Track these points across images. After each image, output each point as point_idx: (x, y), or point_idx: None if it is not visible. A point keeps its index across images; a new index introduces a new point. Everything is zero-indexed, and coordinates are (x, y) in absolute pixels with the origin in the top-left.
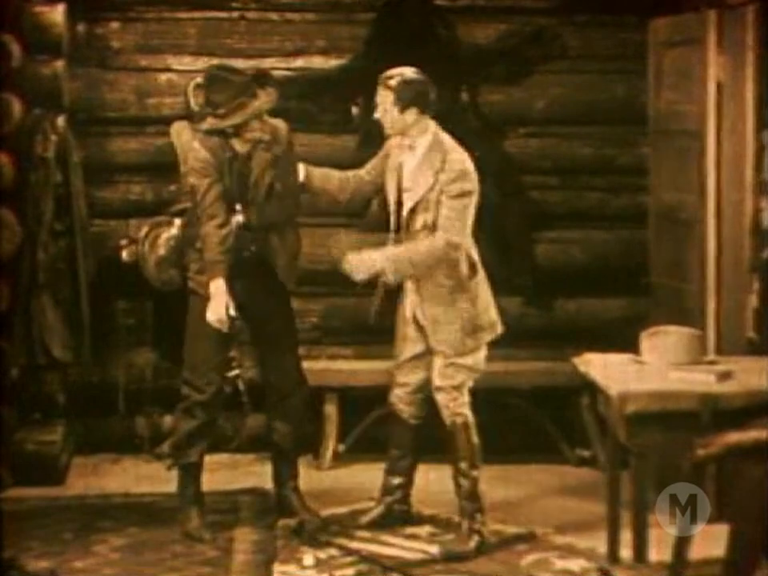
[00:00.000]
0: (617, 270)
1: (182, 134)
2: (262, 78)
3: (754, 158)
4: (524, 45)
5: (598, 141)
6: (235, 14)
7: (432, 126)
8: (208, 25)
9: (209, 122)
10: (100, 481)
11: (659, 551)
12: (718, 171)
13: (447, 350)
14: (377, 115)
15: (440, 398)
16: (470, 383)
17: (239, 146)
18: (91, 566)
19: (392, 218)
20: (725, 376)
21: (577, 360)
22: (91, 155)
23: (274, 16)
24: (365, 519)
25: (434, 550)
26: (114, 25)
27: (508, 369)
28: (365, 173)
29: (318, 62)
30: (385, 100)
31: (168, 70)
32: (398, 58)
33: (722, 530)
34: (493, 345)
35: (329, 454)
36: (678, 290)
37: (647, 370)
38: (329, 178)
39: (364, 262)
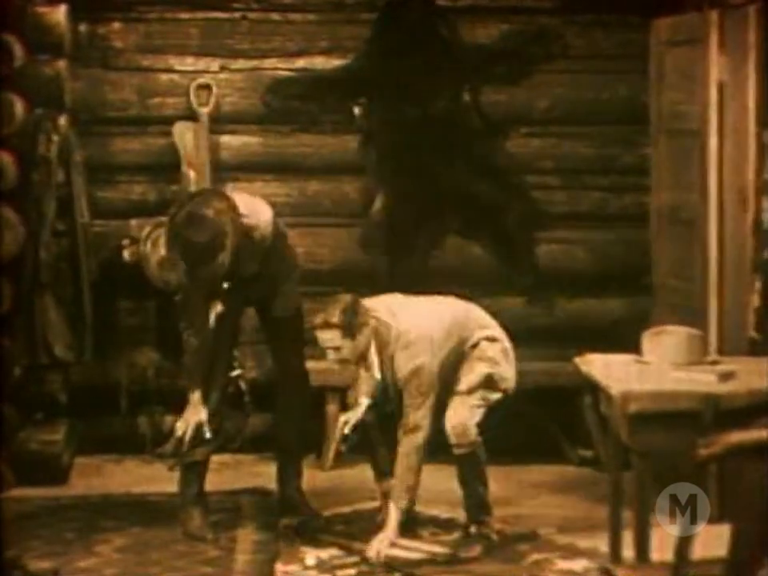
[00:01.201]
0: (618, 270)
1: (184, 135)
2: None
3: (756, 157)
4: (526, 44)
5: (600, 141)
6: (237, 15)
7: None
8: (210, 25)
9: (184, 281)
10: (102, 480)
11: (661, 551)
12: (720, 171)
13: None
14: (335, 357)
15: (450, 430)
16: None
17: None
18: (94, 566)
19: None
20: (727, 376)
21: (579, 360)
22: (93, 155)
23: (275, 16)
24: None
25: (440, 552)
26: (116, 25)
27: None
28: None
29: (320, 63)
30: (334, 339)
31: (170, 70)
32: (400, 58)
33: (724, 530)
34: None
35: (331, 453)
36: (680, 290)
37: (649, 369)
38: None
39: (382, 544)
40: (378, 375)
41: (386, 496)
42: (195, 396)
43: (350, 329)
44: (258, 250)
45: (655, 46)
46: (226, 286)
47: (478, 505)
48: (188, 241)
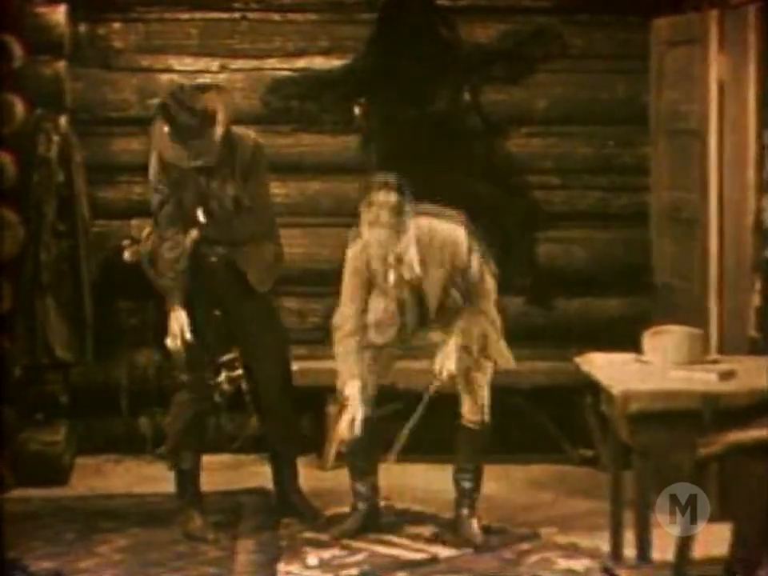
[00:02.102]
0: (618, 270)
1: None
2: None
3: (756, 157)
4: (525, 44)
5: (600, 140)
6: (237, 15)
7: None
8: (209, 25)
9: (176, 156)
10: (103, 481)
11: (662, 550)
12: (720, 170)
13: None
14: (386, 218)
15: (471, 394)
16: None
17: None
18: (94, 567)
19: (414, 312)
20: (727, 375)
21: (579, 359)
22: (93, 155)
23: (275, 16)
24: (342, 529)
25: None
26: (116, 25)
27: (509, 368)
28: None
29: (320, 63)
30: (389, 200)
31: (170, 70)
32: (400, 58)
33: (724, 529)
34: None
35: (332, 453)
36: (680, 289)
37: (649, 369)
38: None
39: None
40: (417, 269)
41: (362, 498)
42: (177, 314)
43: (407, 196)
44: (240, 159)
45: (655, 45)
46: (203, 219)
47: (470, 495)
48: (181, 110)
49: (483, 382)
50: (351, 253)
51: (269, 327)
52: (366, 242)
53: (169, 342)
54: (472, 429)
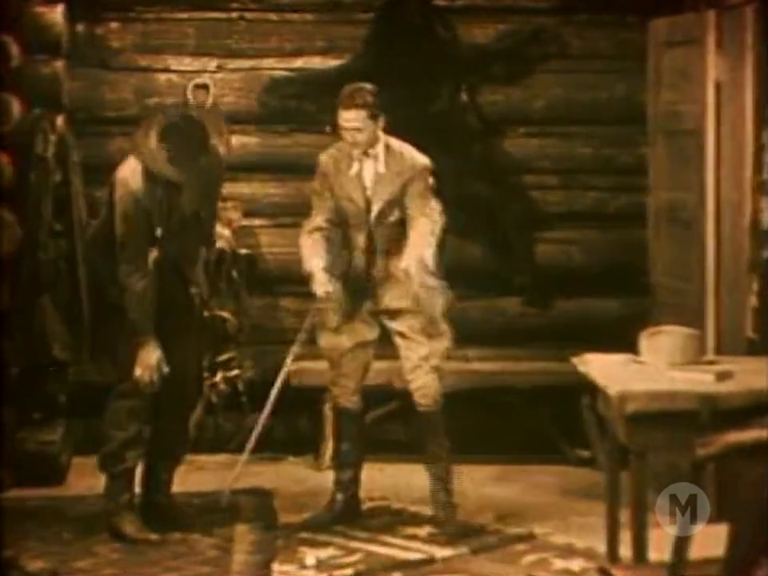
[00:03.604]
0: (616, 270)
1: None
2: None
3: (754, 157)
4: (523, 44)
5: (598, 140)
6: (234, 15)
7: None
8: (207, 25)
9: (164, 168)
10: (100, 481)
11: (659, 551)
12: (718, 171)
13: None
14: (353, 138)
15: (423, 379)
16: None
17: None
18: (91, 566)
19: (359, 221)
20: (724, 376)
21: (576, 360)
22: (90, 155)
23: (273, 16)
24: (317, 518)
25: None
26: (114, 25)
27: (507, 368)
28: (326, 223)
29: (317, 63)
30: (358, 118)
31: (167, 70)
32: (397, 58)
33: (721, 530)
34: (492, 344)
35: (328, 453)
36: (678, 290)
37: (647, 369)
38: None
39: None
40: (382, 169)
41: (340, 489)
42: (150, 340)
43: (375, 110)
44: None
45: (653, 46)
46: (159, 233)
47: (444, 481)
48: (187, 130)
49: (428, 359)
50: (322, 159)
51: (197, 334)
52: (339, 146)
53: (140, 373)
54: (426, 411)
